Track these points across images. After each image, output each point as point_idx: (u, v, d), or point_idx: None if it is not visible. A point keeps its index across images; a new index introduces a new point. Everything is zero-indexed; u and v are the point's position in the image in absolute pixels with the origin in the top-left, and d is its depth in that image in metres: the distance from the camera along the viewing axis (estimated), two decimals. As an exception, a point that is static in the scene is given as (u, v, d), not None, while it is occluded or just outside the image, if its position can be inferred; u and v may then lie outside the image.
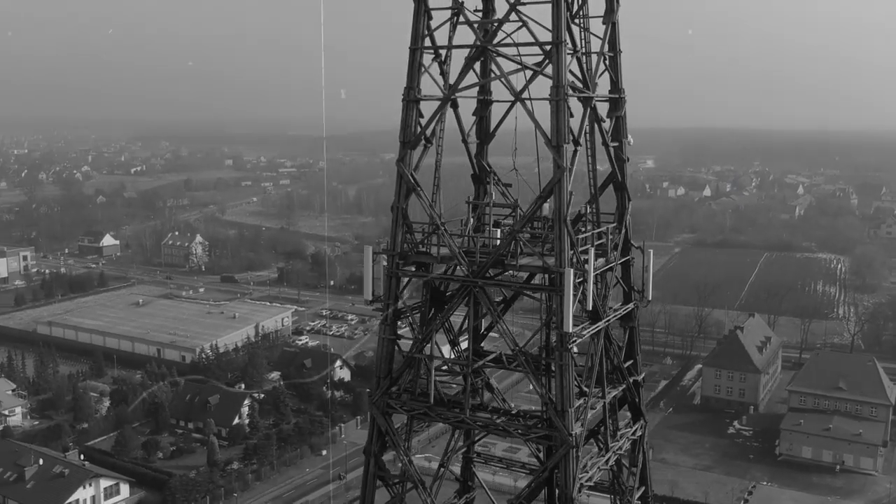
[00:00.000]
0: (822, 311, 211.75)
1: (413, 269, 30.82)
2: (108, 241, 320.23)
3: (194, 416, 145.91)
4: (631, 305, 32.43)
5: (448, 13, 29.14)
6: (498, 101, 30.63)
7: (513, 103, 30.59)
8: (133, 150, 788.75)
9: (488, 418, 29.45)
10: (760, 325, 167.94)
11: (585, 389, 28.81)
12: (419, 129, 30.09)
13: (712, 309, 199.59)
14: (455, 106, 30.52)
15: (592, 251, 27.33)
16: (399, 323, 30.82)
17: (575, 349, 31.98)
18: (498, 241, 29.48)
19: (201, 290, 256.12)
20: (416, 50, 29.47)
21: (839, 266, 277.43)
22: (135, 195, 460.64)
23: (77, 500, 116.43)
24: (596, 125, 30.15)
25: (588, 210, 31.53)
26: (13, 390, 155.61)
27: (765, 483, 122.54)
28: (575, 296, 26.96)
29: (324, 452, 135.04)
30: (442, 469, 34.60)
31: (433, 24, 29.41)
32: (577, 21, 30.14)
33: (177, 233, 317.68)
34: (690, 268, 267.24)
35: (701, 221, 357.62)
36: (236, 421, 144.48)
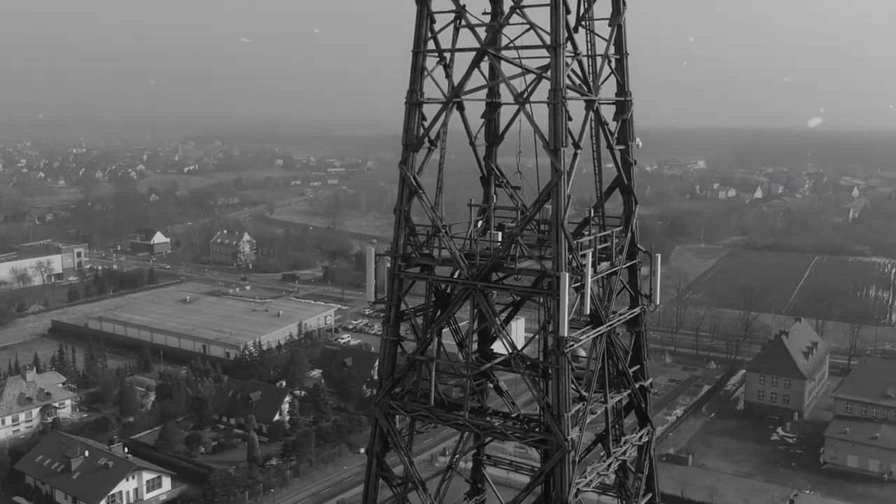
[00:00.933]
0: (874, 317, 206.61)
1: (418, 270, 30.97)
2: (159, 238, 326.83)
3: (236, 412, 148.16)
4: (637, 310, 32.10)
5: (451, 17, 29.16)
6: (506, 103, 30.57)
7: (519, 109, 30.53)
8: (187, 149, 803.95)
9: (486, 421, 29.45)
10: (807, 330, 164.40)
11: (584, 394, 28.62)
12: (422, 131, 30.20)
13: (759, 313, 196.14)
14: (461, 108, 30.55)
15: (590, 255, 27.13)
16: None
17: (583, 352, 31.85)
18: (499, 244, 29.48)
19: (248, 287, 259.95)
20: (418, 53, 29.62)
21: (894, 270, 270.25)
22: (186, 194, 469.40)
23: (120, 492, 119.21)
24: (602, 128, 29.91)
25: (591, 213, 31.33)
26: (63, 383, 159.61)
27: (807, 492, 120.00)
28: (572, 300, 26.82)
29: (362, 450, 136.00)
30: (450, 470, 34.67)
31: (437, 26, 29.50)
32: (583, 23, 30.01)
33: (225, 231, 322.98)
34: (738, 271, 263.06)
35: (751, 224, 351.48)
36: (277, 417, 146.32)
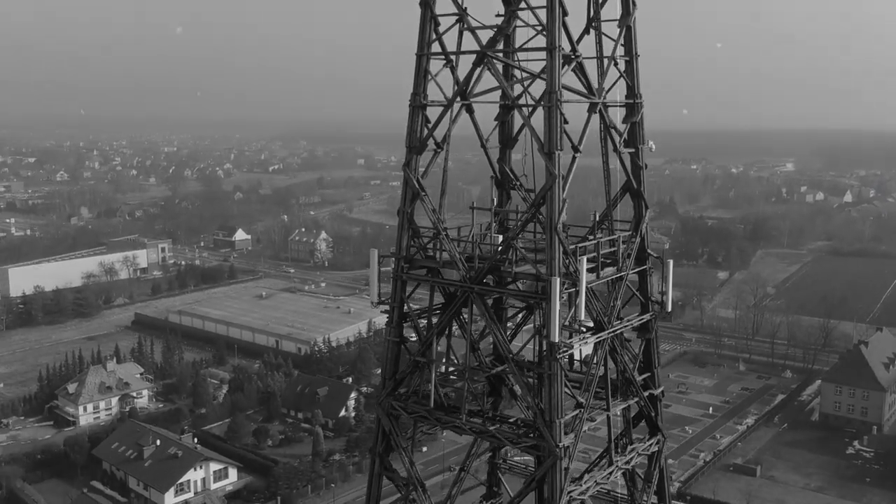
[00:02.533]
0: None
1: (425, 272, 31.10)
2: (240, 235, 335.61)
3: (304, 407, 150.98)
4: (646, 317, 31.44)
5: (454, 21, 29.18)
6: (523, 105, 30.33)
7: (532, 112, 30.36)
8: (273, 148, 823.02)
9: (483, 425, 29.36)
10: (889, 340, 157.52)
11: (582, 401, 28.23)
12: (426, 133, 30.30)
13: (840, 321, 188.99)
14: (470, 111, 30.56)
15: (584, 260, 26.73)
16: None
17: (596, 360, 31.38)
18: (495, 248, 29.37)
19: (322, 284, 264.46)
20: (422, 56, 29.74)
21: None
22: (269, 192, 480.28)
23: (188, 481, 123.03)
24: (608, 131, 29.43)
25: (594, 217, 30.87)
26: (141, 374, 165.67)
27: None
28: (564, 305, 26.52)
29: (424, 449, 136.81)
30: (463, 473, 34.69)
31: (443, 29, 29.55)
32: (594, 25, 29.61)
33: (304, 229, 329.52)
34: (822, 277, 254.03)
35: (838, 228, 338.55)
36: (342, 413, 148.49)
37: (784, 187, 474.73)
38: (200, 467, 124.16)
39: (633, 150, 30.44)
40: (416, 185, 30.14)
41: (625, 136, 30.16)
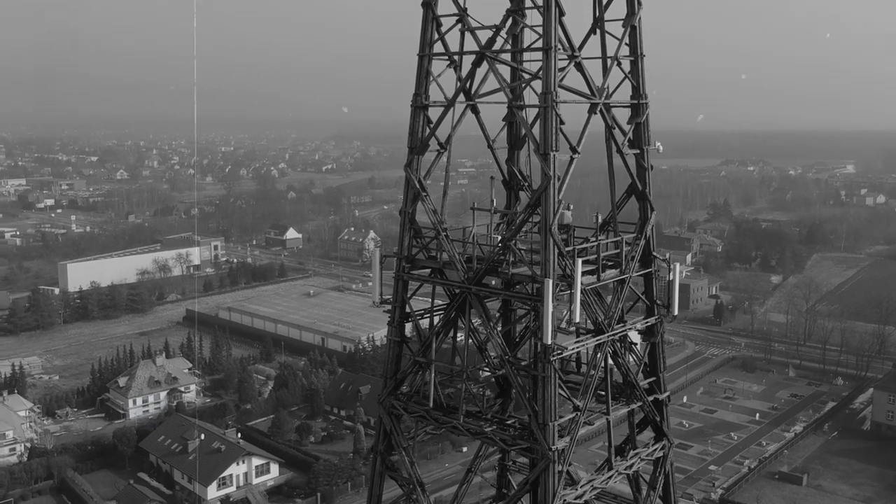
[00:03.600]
0: None
1: (429, 272, 31.18)
2: (291, 234, 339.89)
3: (346, 405, 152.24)
4: (651, 320, 30.98)
5: (455, 22, 29.16)
6: (531, 105, 30.19)
7: (539, 113, 30.21)
8: (326, 148, 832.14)
9: (479, 426, 29.28)
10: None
11: (579, 404, 27.95)
12: (427, 134, 30.36)
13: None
14: (476, 112, 30.51)
15: (579, 262, 26.45)
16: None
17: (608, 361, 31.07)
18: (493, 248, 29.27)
19: (370, 283, 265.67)
20: (423, 56, 29.77)
21: None
22: (322, 192, 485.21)
23: (230, 475, 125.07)
24: (611, 132, 29.10)
25: (597, 219, 30.55)
26: (189, 369, 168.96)
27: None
28: (557, 307, 26.28)
29: (464, 449, 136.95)
30: (470, 474, 34.68)
31: (445, 29, 29.56)
32: (599, 25, 29.31)
33: (353, 228, 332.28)
34: (879, 282, 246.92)
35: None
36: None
37: (843, 190, 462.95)
38: (243, 462, 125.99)
39: (638, 151, 30.06)
40: (417, 186, 30.23)
41: (629, 136, 29.80)
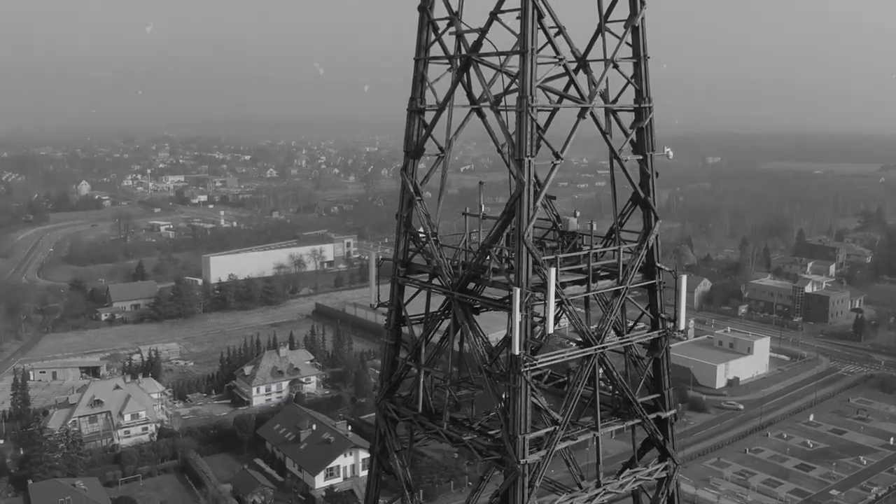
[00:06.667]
0: None
1: (427, 277, 31.09)
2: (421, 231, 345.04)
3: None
4: (654, 334, 29.49)
5: (447, 25, 28.83)
6: (541, 108, 29.57)
7: (551, 116, 29.60)
8: (468, 149, 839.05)
9: (458, 434, 28.82)
10: None
11: (559, 418, 27.01)
12: (422, 138, 30.24)
13: None
14: (482, 116, 30.11)
15: (553, 271, 25.53)
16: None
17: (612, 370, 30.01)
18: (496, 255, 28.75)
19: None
20: (419, 61, 29.63)
21: None
22: (456, 192, 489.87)
23: (338, 467, 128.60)
24: (606, 137, 27.98)
25: (591, 226, 29.33)
26: (311, 360, 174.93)
27: None
28: (527, 316, 25.54)
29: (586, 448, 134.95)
30: (483, 481, 34.28)
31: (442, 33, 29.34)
32: (606, 27, 28.25)
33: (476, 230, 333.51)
34: None
35: None
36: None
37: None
38: (350, 454, 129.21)
39: (641, 157, 28.78)
40: (412, 190, 30.16)
41: (632, 138, 28.57)
